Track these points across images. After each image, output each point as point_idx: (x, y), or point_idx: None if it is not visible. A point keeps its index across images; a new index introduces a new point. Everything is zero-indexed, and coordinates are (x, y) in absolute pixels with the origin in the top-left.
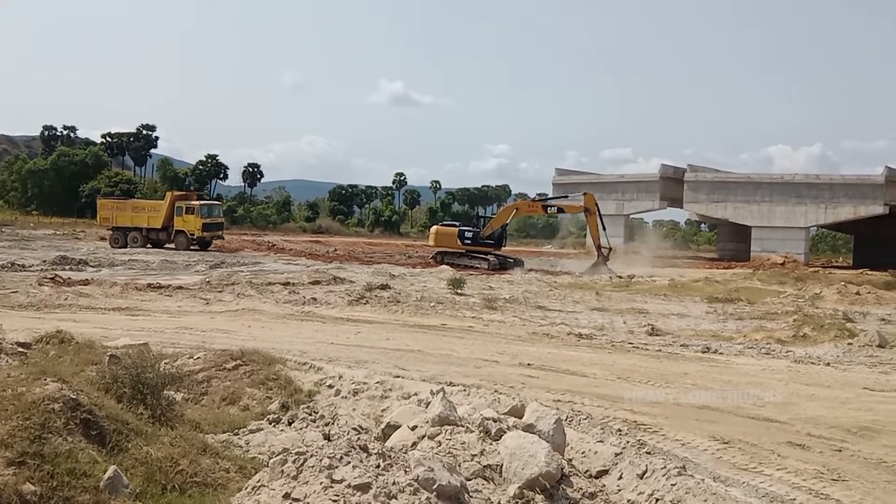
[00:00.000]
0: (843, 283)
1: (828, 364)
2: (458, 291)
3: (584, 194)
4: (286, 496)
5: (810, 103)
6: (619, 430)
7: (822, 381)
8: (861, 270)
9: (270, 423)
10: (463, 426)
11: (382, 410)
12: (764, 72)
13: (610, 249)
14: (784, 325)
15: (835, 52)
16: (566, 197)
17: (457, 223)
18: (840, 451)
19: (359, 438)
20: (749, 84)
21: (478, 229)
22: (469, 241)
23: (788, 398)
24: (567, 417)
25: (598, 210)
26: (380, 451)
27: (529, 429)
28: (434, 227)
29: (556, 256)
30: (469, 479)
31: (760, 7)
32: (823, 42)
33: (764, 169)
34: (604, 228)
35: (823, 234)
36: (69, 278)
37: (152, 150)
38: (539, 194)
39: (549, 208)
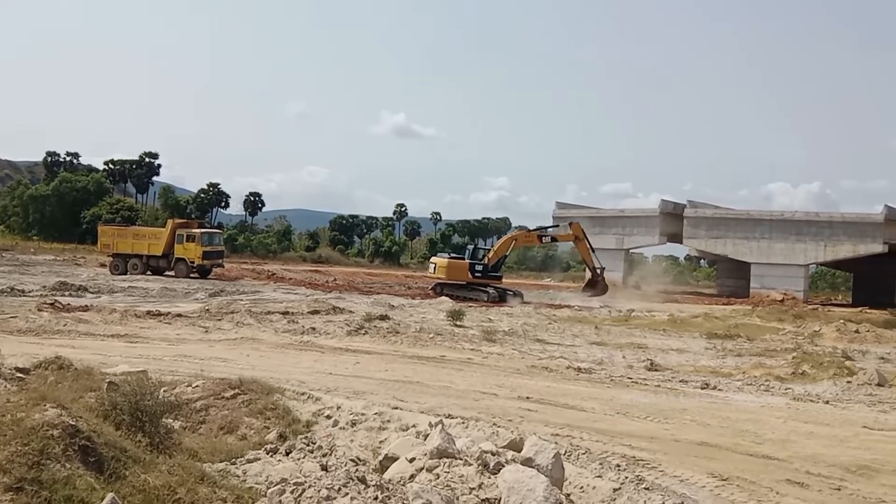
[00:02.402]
0: (842, 321)
1: (827, 402)
2: (458, 323)
3: (570, 224)
4: None
5: (810, 141)
6: (618, 466)
7: (821, 418)
8: (860, 309)
9: (268, 453)
10: (461, 459)
11: (380, 442)
12: (764, 109)
13: (603, 269)
14: (783, 362)
15: (835, 92)
16: (558, 226)
17: (454, 254)
18: (839, 489)
19: (357, 470)
20: (749, 121)
21: (486, 262)
22: (479, 275)
23: (787, 435)
24: (566, 452)
25: (586, 235)
26: (378, 483)
27: (528, 463)
28: (445, 260)
29: (555, 289)
30: None
31: (763, 46)
32: (823, 81)
33: (763, 206)
34: (593, 251)
35: (823, 271)
36: (68, 304)
37: (154, 178)
38: (538, 227)
39: (543, 238)
